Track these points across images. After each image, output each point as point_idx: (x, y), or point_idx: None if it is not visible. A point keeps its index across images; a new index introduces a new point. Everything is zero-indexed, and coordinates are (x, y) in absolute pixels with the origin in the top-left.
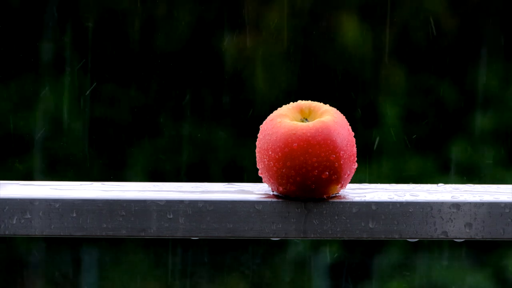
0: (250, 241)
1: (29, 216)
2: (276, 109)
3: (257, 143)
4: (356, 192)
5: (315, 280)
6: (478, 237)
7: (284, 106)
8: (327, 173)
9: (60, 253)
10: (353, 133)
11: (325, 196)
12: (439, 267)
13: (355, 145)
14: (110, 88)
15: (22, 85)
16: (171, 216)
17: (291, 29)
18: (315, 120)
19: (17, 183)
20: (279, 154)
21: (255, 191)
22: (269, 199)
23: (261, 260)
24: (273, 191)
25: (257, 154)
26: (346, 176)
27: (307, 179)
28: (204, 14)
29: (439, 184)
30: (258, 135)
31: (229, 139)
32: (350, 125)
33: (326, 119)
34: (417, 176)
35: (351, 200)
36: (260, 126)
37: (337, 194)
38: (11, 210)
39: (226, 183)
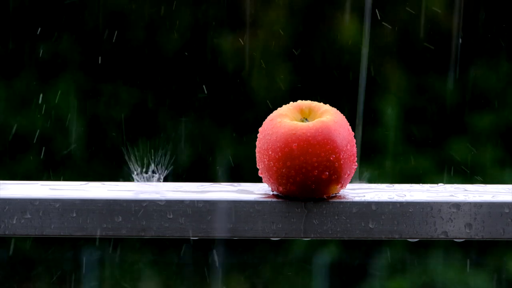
0: (250, 241)
1: (29, 216)
2: (276, 109)
3: (257, 143)
4: (356, 192)
5: (315, 280)
6: (478, 237)
7: (284, 106)
8: (327, 173)
9: (60, 253)
10: (353, 133)
11: (325, 196)
12: (439, 267)
13: (355, 145)
14: (110, 87)
15: (22, 85)
16: (171, 216)
17: (291, 29)
18: (315, 120)
19: (17, 183)
20: (279, 154)
21: (255, 191)
22: (269, 199)
23: (261, 260)
24: (273, 191)
25: (257, 154)
26: (346, 176)
27: (307, 179)
28: (203, 14)
29: (439, 184)
30: (258, 135)
31: (229, 139)
32: (350, 125)
33: (326, 119)
34: (417, 175)
35: (351, 200)
36: (260, 126)
37: (337, 194)
38: (11, 210)
39: (226, 183)
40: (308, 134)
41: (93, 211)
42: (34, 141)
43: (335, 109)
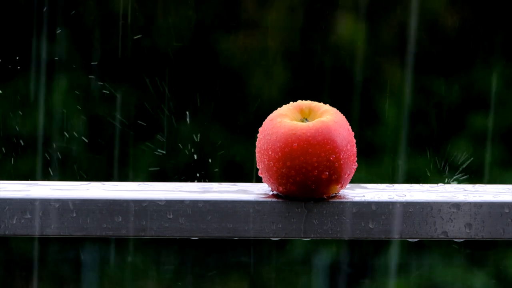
0: (250, 241)
1: (29, 216)
2: (275, 109)
3: (257, 143)
4: (356, 192)
5: (315, 280)
6: (478, 237)
7: (284, 106)
8: (327, 173)
9: (60, 253)
10: (353, 133)
11: (325, 196)
12: (439, 267)
13: (355, 145)
14: (110, 87)
15: (22, 84)
16: (171, 216)
17: (290, 28)
18: (315, 120)
19: (17, 183)
20: (279, 154)
21: (255, 191)
22: (269, 199)
23: (261, 260)
24: (273, 191)
25: (257, 154)
26: (346, 176)
27: (307, 179)
28: (203, 14)
29: (439, 184)
30: (258, 135)
31: (229, 139)
32: (350, 125)
33: (326, 119)
34: (417, 176)
35: (351, 200)
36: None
37: (337, 194)
38: (11, 210)
39: (226, 183)
40: (308, 134)
41: (93, 211)
42: (34, 141)
43: (335, 109)
